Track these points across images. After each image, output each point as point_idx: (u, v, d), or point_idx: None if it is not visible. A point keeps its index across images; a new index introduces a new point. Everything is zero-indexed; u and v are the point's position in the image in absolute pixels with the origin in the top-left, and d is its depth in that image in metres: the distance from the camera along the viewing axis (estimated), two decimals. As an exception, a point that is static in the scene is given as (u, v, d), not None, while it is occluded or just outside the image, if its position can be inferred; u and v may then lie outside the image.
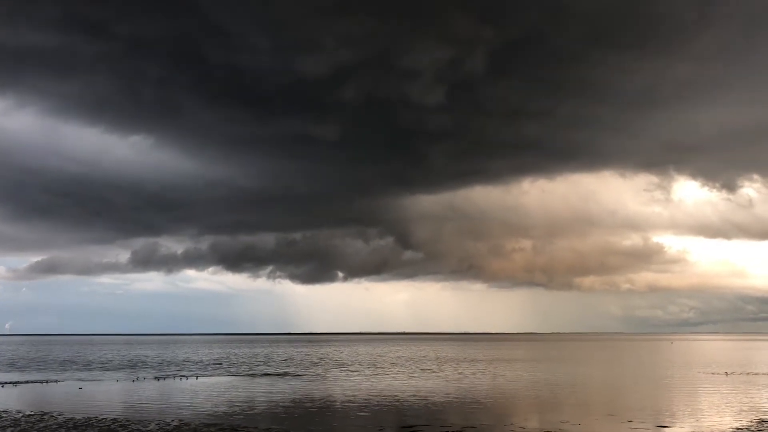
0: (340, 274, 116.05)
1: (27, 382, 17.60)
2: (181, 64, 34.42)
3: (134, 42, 32.93)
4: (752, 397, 12.94)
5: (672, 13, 33.89)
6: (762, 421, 9.89)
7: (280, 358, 30.48)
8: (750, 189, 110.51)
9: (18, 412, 11.30)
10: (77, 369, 23.11)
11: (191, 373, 20.50)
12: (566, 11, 31.36)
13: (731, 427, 9.28)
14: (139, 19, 32.18)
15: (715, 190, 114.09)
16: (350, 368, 22.50)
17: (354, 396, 13.52)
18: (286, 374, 20.08)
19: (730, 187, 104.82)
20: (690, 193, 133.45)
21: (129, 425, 9.67)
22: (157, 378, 18.62)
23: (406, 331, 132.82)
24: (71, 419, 10.35)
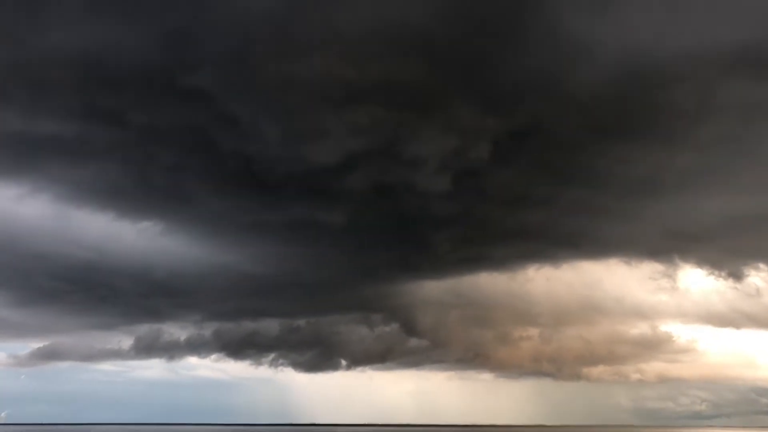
0: (344, 362, 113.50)
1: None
2: (192, 152, 35.81)
3: (148, 130, 34.62)
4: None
5: (672, 103, 35.37)
6: None
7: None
8: (757, 278, 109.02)
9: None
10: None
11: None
12: (567, 102, 33.24)
13: None
14: (154, 107, 34.09)
15: (721, 278, 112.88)
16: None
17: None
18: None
19: (737, 275, 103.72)
20: (696, 281, 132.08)
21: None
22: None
23: (411, 422, 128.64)
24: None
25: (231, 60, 28.33)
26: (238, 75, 29.31)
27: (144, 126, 33.32)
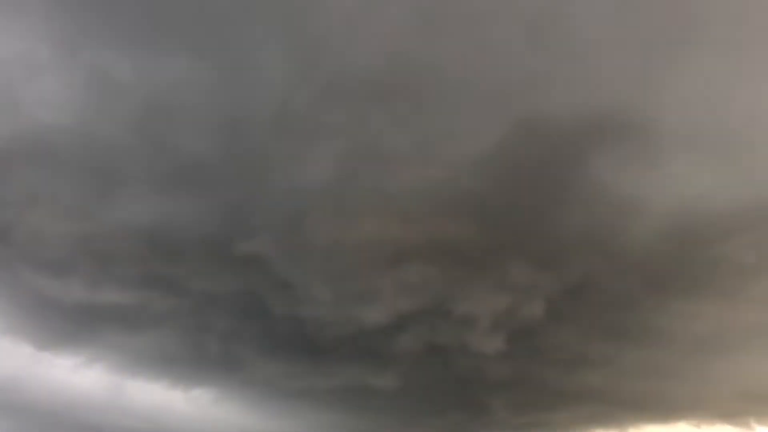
0: None
1: None
2: (246, 318, 36.00)
3: (204, 297, 35.35)
4: None
5: (730, 257, 34.06)
6: None
7: None
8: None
9: None
10: None
11: None
12: (620, 257, 32.56)
13: None
14: (211, 275, 34.95)
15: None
16: None
17: None
18: None
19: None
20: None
21: None
22: None
23: None
24: None
25: (285, 227, 29.12)
26: (292, 241, 30.06)
27: (201, 293, 34.16)
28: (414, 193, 25.31)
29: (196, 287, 36.99)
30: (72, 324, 37.02)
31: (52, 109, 21.01)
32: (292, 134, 23.36)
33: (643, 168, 23.85)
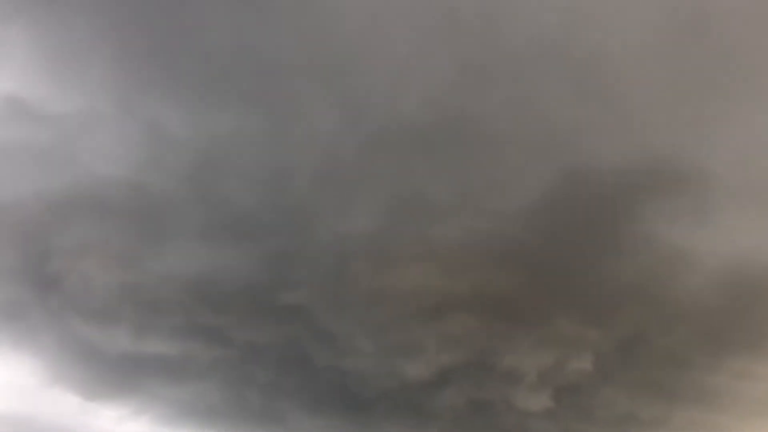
0: None
1: None
2: (288, 369, 35.75)
3: (248, 348, 35.37)
4: None
5: None
6: None
7: None
8: None
9: None
10: None
11: None
12: (672, 311, 31.58)
13: None
14: (255, 326, 35.09)
15: None
16: None
17: None
18: None
19: None
20: None
21: None
22: None
23: None
24: None
25: (329, 277, 29.18)
26: (335, 291, 30.08)
27: (244, 344, 34.32)
28: (459, 243, 25.16)
29: (240, 338, 37.08)
30: (118, 374, 37.33)
31: (108, 162, 21.71)
32: (338, 184, 23.62)
33: (696, 219, 23.35)
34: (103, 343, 32.79)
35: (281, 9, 20.14)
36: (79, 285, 28.77)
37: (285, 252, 26.99)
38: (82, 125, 21.17)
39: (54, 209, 24.17)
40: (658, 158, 20.96)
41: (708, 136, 20.42)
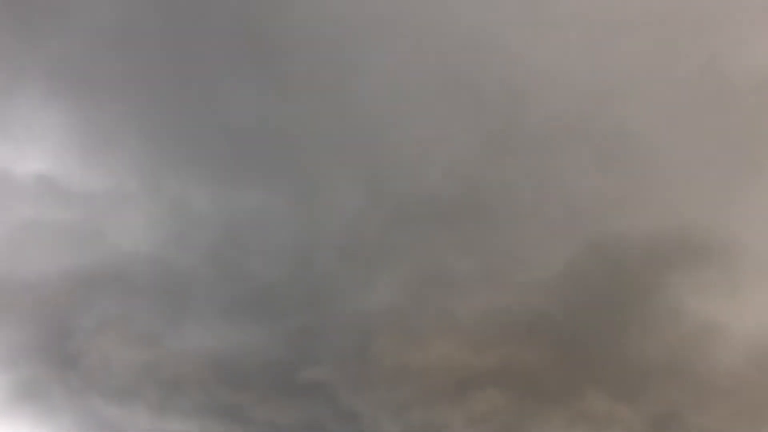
0: None
1: None
2: None
3: (268, 427, 34.99)
4: None
5: None
6: None
7: None
8: None
9: None
10: None
11: None
12: (705, 387, 30.71)
13: None
14: (275, 403, 34.75)
15: None
16: None
17: None
18: None
19: None
20: None
21: None
22: None
23: None
24: None
25: (350, 353, 28.73)
26: (357, 368, 29.55)
27: (265, 423, 33.78)
28: (483, 317, 24.75)
29: (261, 417, 36.29)
30: (137, 454, 36.63)
31: (134, 239, 21.86)
32: (361, 259, 23.51)
33: (724, 291, 22.87)
34: (123, 421, 32.16)
35: (306, 87, 20.60)
36: (98, 363, 28.53)
37: (307, 328, 26.67)
38: (111, 203, 21.53)
39: (78, 287, 24.24)
40: (683, 229, 20.71)
41: (734, 207, 20.19)
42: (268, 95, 20.70)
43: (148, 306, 24.86)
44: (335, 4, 19.91)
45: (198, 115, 20.98)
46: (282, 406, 36.17)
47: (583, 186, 20.01)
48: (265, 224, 22.60)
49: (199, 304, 25.59)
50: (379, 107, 19.65)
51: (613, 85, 18.26)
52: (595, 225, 21.16)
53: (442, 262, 22.98)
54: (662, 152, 19.02)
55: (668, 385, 33.20)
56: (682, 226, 20.14)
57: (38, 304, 23.94)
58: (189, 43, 20.50)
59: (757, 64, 18.65)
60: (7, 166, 20.80)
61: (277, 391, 33.68)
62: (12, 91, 20.63)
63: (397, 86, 19.56)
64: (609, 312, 24.36)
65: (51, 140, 20.27)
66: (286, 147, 21.34)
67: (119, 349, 27.54)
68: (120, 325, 26.28)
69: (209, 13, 20.38)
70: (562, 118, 18.63)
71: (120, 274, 23.02)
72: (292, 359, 29.01)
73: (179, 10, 20.44)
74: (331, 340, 28.14)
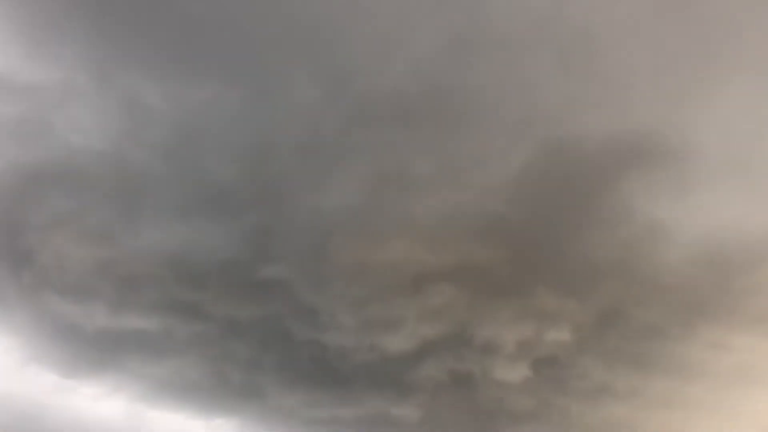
0: None
1: None
2: (268, 345, 35.28)
3: (226, 323, 34.84)
4: None
5: (762, 286, 33.29)
6: None
7: None
8: None
9: None
10: None
11: None
12: (648, 285, 31.77)
13: None
14: (234, 301, 34.52)
15: None
16: None
17: None
18: None
19: None
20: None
21: None
22: None
23: None
24: None
25: (308, 251, 29.02)
26: (315, 265, 29.96)
27: (223, 319, 34.09)
28: (440, 217, 25.11)
29: (219, 313, 36.82)
30: (95, 351, 36.94)
31: (84, 134, 21.18)
32: (319, 158, 23.36)
33: (675, 193, 23.55)
34: (79, 319, 32.29)
35: (262, -21, 19.67)
36: (52, 261, 28.24)
37: (265, 227, 26.74)
38: (57, 97, 20.64)
39: (27, 182, 23.61)
40: (639, 132, 21.04)
41: (690, 112, 20.51)
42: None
43: (101, 203, 24.44)
44: None
45: (151, 5, 19.87)
46: (241, 303, 36.72)
47: (543, 88, 19.98)
48: (221, 121, 22.08)
49: (154, 202, 25.25)
50: (338, 2, 18.92)
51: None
52: (553, 127, 21.31)
53: (401, 162, 22.99)
54: (623, 55, 18.99)
55: (614, 283, 34.63)
56: (638, 129, 20.45)
57: (-14, 201, 23.33)
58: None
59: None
60: (-55, 59, 19.60)
61: (236, 289, 34.08)
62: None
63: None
64: (562, 213, 24.96)
65: (-8, 30, 19.05)
66: (242, 42, 20.55)
67: (73, 246, 27.22)
68: (73, 221, 25.84)
69: None
70: (526, 19, 18.29)
71: (70, 169, 22.40)
72: (250, 257, 29.18)
73: None
74: (289, 238, 28.32)
